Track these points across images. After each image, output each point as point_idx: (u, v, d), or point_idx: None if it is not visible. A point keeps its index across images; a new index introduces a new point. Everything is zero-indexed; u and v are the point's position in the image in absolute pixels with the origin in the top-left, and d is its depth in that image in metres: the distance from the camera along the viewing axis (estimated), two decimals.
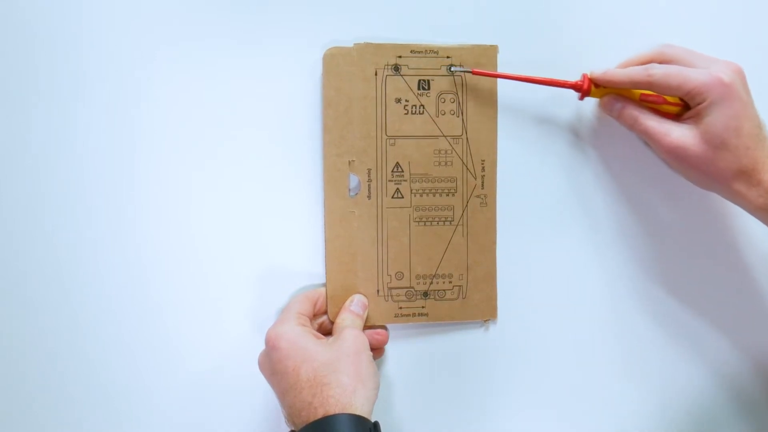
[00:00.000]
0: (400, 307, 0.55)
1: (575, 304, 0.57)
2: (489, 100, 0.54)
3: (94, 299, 0.54)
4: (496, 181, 0.55)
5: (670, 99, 0.50)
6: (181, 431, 0.55)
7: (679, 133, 0.49)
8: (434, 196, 0.54)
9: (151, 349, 0.54)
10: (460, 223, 0.55)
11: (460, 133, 0.54)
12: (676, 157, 0.49)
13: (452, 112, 0.54)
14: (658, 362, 0.58)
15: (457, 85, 0.54)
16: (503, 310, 0.56)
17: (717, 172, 0.48)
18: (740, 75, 0.48)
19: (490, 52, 0.54)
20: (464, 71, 0.53)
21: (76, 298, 0.54)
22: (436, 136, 0.54)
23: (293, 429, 0.47)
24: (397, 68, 0.53)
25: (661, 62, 0.51)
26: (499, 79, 0.54)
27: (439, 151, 0.54)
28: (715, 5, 0.57)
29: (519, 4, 0.55)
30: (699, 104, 0.48)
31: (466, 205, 0.55)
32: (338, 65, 0.53)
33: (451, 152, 0.54)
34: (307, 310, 0.52)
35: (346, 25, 0.53)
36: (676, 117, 0.51)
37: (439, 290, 0.55)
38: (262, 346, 0.50)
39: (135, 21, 0.53)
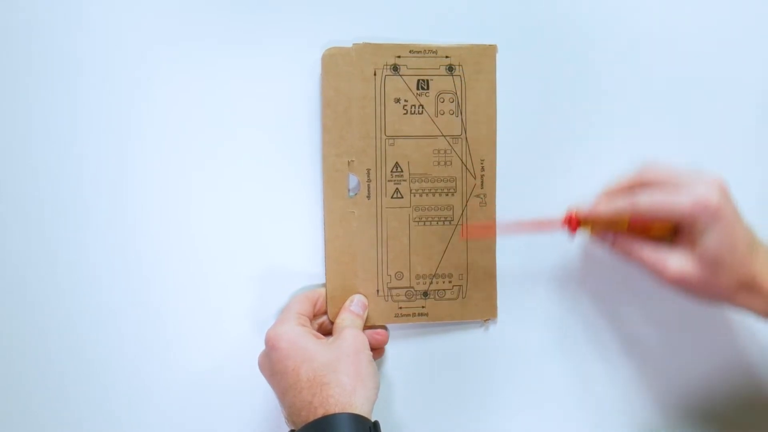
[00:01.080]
0: (400, 307, 0.55)
1: (575, 304, 0.57)
2: (488, 100, 0.54)
3: (94, 299, 0.54)
4: (495, 181, 0.55)
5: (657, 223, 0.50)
6: (181, 431, 0.55)
7: (676, 264, 0.48)
8: (434, 195, 0.54)
9: (151, 349, 0.54)
10: (460, 222, 0.55)
11: (460, 133, 0.54)
12: (677, 288, 0.49)
13: (451, 112, 0.54)
14: (658, 361, 0.58)
15: (456, 85, 0.54)
16: (503, 310, 0.56)
17: (719, 291, 0.48)
18: (724, 190, 0.48)
19: (489, 51, 0.54)
20: (457, 225, 0.54)
21: (76, 297, 0.54)
22: (436, 136, 0.54)
23: (293, 429, 0.47)
24: (396, 68, 0.53)
25: (641, 188, 0.50)
26: (497, 79, 0.54)
27: (439, 150, 0.54)
28: (717, 6, 0.57)
29: (519, 4, 0.55)
30: (690, 229, 0.48)
31: (466, 205, 0.55)
32: (337, 65, 0.53)
33: (451, 152, 0.54)
34: (307, 311, 0.52)
35: (345, 25, 0.53)
36: (668, 235, 0.50)
37: (439, 290, 0.55)
38: (262, 346, 0.50)
39: (134, 21, 0.53)
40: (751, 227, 0.49)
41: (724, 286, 0.48)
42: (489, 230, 0.54)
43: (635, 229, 0.50)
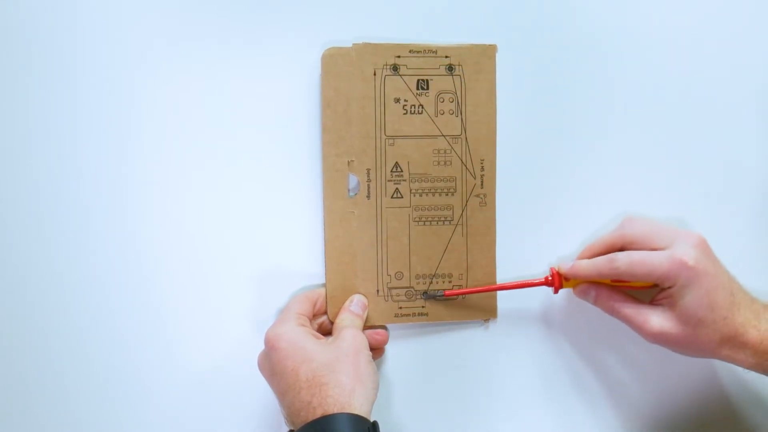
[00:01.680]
0: (400, 307, 0.55)
1: (574, 303, 0.57)
2: (488, 100, 0.54)
3: (94, 299, 0.54)
4: (495, 181, 0.55)
5: None
6: (181, 431, 0.55)
7: (657, 321, 0.49)
8: (433, 195, 0.54)
9: (152, 350, 0.54)
10: (460, 222, 0.55)
11: (459, 133, 0.54)
12: (658, 343, 0.50)
13: (451, 112, 0.54)
14: (659, 361, 0.57)
15: (455, 84, 0.54)
16: (503, 310, 0.56)
17: (701, 346, 0.49)
18: (703, 247, 0.49)
19: (489, 51, 0.54)
20: (437, 296, 0.54)
21: (76, 297, 0.54)
22: (435, 136, 0.54)
23: (292, 429, 0.47)
24: (395, 68, 0.53)
25: (622, 246, 0.52)
26: (497, 78, 0.54)
27: (438, 150, 0.54)
28: (716, 6, 0.57)
29: (519, 4, 0.55)
30: (669, 288, 0.49)
31: (466, 205, 0.55)
32: (337, 65, 0.53)
33: (450, 152, 0.54)
34: (307, 311, 0.52)
35: (344, 25, 0.53)
36: (650, 289, 0.51)
37: (439, 290, 0.55)
38: (262, 346, 0.50)
39: (135, 21, 0.53)
40: (733, 278, 0.50)
41: (705, 342, 0.48)
42: (473, 291, 0.55)
43: (617, 282, 0.52)
